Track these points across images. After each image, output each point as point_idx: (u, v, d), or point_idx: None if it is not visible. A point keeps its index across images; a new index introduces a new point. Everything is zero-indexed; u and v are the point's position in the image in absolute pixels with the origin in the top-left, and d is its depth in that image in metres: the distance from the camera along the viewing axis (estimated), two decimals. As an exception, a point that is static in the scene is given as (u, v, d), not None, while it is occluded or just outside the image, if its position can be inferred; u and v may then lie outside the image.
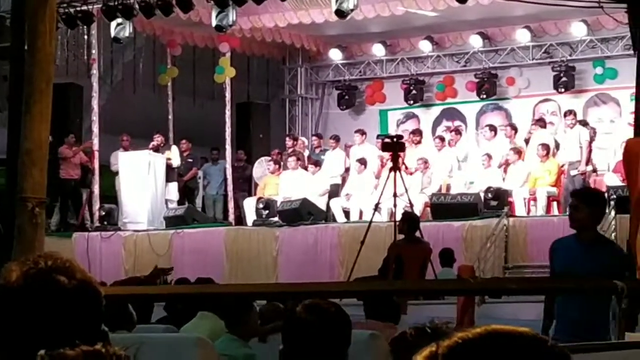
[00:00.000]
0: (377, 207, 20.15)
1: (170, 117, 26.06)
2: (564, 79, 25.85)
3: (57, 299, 2.88)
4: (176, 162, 25.12)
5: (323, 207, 23.60)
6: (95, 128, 24.50)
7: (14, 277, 2.92)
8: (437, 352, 1.60)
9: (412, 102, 27.76)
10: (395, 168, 19.33)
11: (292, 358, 5.02)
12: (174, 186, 25.08)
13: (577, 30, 25.20)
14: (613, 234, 18.99)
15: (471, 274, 8.40)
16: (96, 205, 24.57)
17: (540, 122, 24.34)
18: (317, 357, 4.96)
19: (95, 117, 24.52)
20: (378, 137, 24.82)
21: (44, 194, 6.29)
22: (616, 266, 8.82)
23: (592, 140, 23.04)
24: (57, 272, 2.92)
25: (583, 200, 9.09)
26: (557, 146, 23.18)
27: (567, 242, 9.26)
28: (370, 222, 19.75)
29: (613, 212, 19.48)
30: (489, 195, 21.72)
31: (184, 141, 25.52)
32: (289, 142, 26.64)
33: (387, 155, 20.49)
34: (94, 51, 24.38)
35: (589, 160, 22.56)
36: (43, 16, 6.48)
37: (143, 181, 24.36)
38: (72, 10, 21.32)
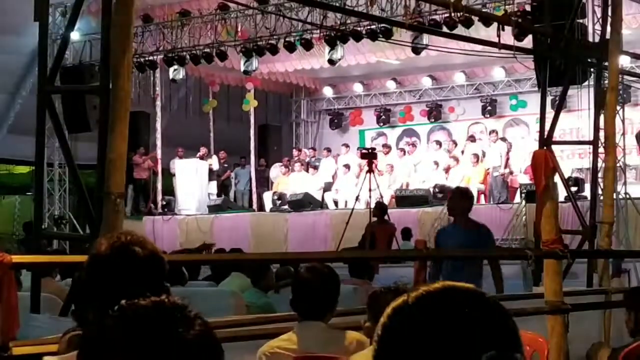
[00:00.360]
0: (357, 199, 20.13)
1: (211, 134, 26.00)
2: (489, 107, 25.88)
3: (134, 263, 2.88)
4: (215, 166, 25.14)
5: (319, 198, 23.59)
6: (159, 143, 24.48)
7: (103, 248, 2.93)
8: (407, 301, 1.60)
9: (382, 124, 27.78)
10: (370, 171, 19.33)
11: (298, 305, 5.02)
12: (213, 184, 25.09)
13: (498, 73, 25.20)
14: (524, 217, 19.00)
15: (424, 246, 8.33)
16: (159, 197, 24.56)
17: (472, 139, 24.35)
18: (316, 304, 4.96)
19: (158, 135, 24.50)
20: (358, 149, 24.77)
21: (123, 189, 6.29)
22: (485, 242, 8.74)
23: (509, 151, 23.05)
24: (133, 245, 2.92)
25: (458, 195, 9.16)
26: (484, 155, 23.18)
27: (448, 228, 9.19)
28: (353, 209, 19.74)
29: (524, 202, 19.48)
30: (436, 190, 21.72)
31: (222, 152, 25.50)
32: (295, 152, 26.69)
33: (364, 162, 20.45)
34: (157, 88, 24.39)
35: (507, 165, 22.56)
36: (122, 63, 6.48)
37: (192, 180, 24.36)
38: (142, 59, 21.30)
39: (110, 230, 6.03)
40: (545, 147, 11.06)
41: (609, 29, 11.46)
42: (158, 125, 24.56)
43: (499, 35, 12.01)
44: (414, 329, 1.57)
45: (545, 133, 12.31)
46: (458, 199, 9.01)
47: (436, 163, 23.16)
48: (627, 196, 17.28)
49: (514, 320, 1.62)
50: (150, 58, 21.81)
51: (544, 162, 6.90)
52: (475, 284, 1.64)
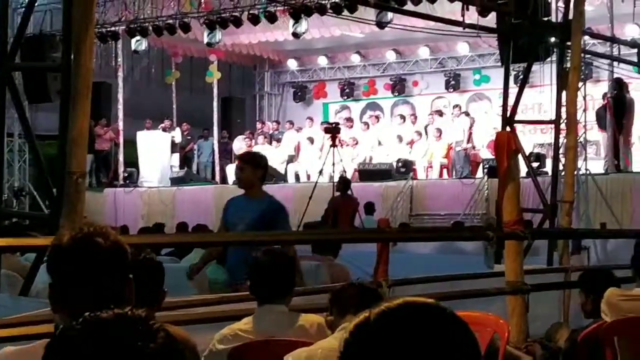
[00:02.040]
0: (320, 172, 20.15)
1: (174, 106, 25.85)
2: (452, 82, 25.96)
3: (97, 255, 2.87)
4: (178, 139, 25.03)
5: (282, 171, 23.57)
6: (120, 114, 24.33)
7: (65, 239, 2.91)
8: (369, 317, 1.61)
9: (346, 97, 27.79)
10: (333, 145, 19.34)
11: (257, 289, 5.03)
12: (176, 156, 25.01)
13: (462, 48, 25.26)
14: (486, 192, 19.10)
15: (387, 225, 8.35)
16: (121, 169, 24.44)
17: (438, 113, 24.38)
18: (275, 287, 4.97)
19: (120, 107, 24.34)
20: (322, 124, 24.76)
21: (84, 168, 6.25)
22: (275, 216, 7.67)
23: (472, 125, 23.10)
24: (96, 236, 2.91)
25: (247, 162, 8.03)
26: (447, 129, 23.24)
27: (238, 200, 8.06)
28: (316, 183, 19.75)
29: (486, 177, 19.58)
30: (399, 164, 21.74)
31: (185, 124, 25.40)
32: (258, 125, 26.63)
33: (328, 135, 20.45)
34: (119, 59, 24.26)
35: (469, 140, 22.63)
36: (84, 39, 6.41)
37: (154, 152, 24.26)
38: (104, 30, 21.10)
39: (72, 210, 6.00)
40: (508, 126, 11.13)
41: (572, 8, 11.52)
42: (120, 97, 24.39)
43: (463, 15, 12.02)
44: (375, 346, 1.59)
45: (509, 110, 12.37)
46: (250, 169, 8.00)
47: (400, 137, 23.18)
48: (588, 172, 17.43)
49: (473, 333, 1.64)
50: (112, 29, 21.63)
51: (506, 144, 6.93)
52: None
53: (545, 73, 17.60)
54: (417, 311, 1.63)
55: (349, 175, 20.60)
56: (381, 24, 19.22)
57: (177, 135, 24.97)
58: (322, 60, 27.87)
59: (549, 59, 13.93)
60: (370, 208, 18.38)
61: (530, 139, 21.85)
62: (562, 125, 12.35)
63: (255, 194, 7.85)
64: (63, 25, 7.92)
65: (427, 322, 1.60)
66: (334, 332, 4.36)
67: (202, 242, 7.55)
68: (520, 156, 8.66)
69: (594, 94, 21.33)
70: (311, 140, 24.04)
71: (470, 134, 22.73)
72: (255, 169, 7.88)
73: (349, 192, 18.25)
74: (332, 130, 19.41)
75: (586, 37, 16.83)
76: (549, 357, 6.13)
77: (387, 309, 1.62)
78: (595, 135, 20.98)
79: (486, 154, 21.80)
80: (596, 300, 5.86)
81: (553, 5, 13.38)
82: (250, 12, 20.24)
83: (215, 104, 25.56)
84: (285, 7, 19.61)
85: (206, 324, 5.47)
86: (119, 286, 2.85)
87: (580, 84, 13.45)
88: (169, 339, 1.55)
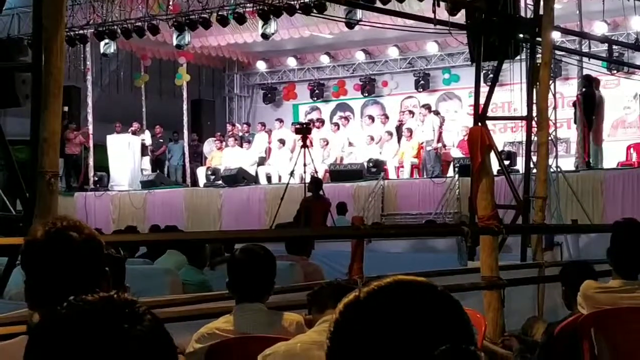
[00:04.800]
0: (292, 173, 20.13)
1: (143, 109, 25.77)
2: (422, 82, 26.04)
3: (71, 249, 2.84)
4: (148, 142, 24.98)
5: (253, 173, 23.52)
6: (90, 118, 24.18)
7: (38, 234, 2.88)
8: (359, 296, 1.59)
9: (315, 98, 27.83)
10: (304, 146, 19.34)
11: (235, 287, 4.99)
12: (147, 159, 24.94)
13: (431, 48, 25.31)
14: (457, 191, 19.14)
15: (361, 222, 8.34)
16: (91, 173, 24.30)
17: (409, 113, 24.36)
18: (253, 286, 4.93)
19: (90, 110, 24.19)
20: (292, 124, 24.74)
21: (57, 168, 6.19)
22: None
23: (441, 124, 23.13)
24: (70, 230, 2.88)
25: None
26: (417, 129, 23.25)
27: None
28: (287, 184, 19.74)
29: (457, 176, 19.62)
30: (370, 164, 21.74)
31: (157, 127, 25.32)
32: (228, 127, 26.59)
33: (299, 137, 20.44)
34: (88, 63, 24.13)
35: (439, 139, 22.64)
36: (55, 40, 6.36)
37: (125, 155, 24.15)
38: (72, 33, 20.95)
39: (45, 210, 5.94)
40: (480, 123, 11.15)
41: (541, 4, 11.57)
42: (89, 100, 24.26)
43: (434, 11, 12.03)
44: (366, 324, 1.57)
45: (480, 108, 12.39)
46: None
47: (371, 137, 23.20)
48: (558, 169, 17.51)
49: (465, 311, 1.62)
50: (81, 32, 21.52)
51: (479, 139, 6.94)
52: None
53: (515, 72, 17.66)
54: (409, 287, 1.61)
55: (320, 176, 20.58)
56: (350, 23, 19.22)
57: (147, 138, 24.90)
58: (292, 62, 27.86)
59: (518, 57, 13.98)
60: (342, 208, 18.36)
61: (501, 137, 21.93)
62: (534, 123, 12.41)
63: None
64: (33, 29, 7.85)
65: (419, 298, 1.58)
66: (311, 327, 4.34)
67: (174, 241, 7.47)
68: (493, 154, 8.65)
69: (563, 91, 21.48)
70: (282, 141, 24.02)
71: (440, 133, 22.74)
72: None
73: (321, 192, 18.25)
74: (303, 130, 19.39)
75: (555, 36, 16.93)
76: (526, 350, 6.14)
77: (377, 287, 1.60)
78: (565, 133, 21.11)
79: (457, 153, 21.86)
80: (576, 293, 5.87)
81: (522, 3, 13.41)
82: (219, 13, 20.20)
83: (185, 106, 25.52)
84: (255, 8, 19.57)
85: (183, 325, 5.42)
86: (95, 279, 2.82)
87: (550, 82, 13.50)
88: (156, 321, 1.53)
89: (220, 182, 23.02)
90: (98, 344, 1.47)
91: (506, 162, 17.70)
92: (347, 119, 25.70)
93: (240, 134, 25.91)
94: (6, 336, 3.83)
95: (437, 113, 23.67)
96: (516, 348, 6.25)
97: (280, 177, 22.79)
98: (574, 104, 19.93)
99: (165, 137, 25.62)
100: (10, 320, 4.76)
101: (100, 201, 23.38)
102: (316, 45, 25.99)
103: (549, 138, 13.05)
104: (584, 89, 19.36)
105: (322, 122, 25.30)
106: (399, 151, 22.63)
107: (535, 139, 12.27)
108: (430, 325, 1.55)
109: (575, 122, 20.05)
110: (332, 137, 23.99)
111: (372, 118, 24.74)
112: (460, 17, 14.74)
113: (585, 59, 19.33)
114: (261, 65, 28.55)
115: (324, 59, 27.27)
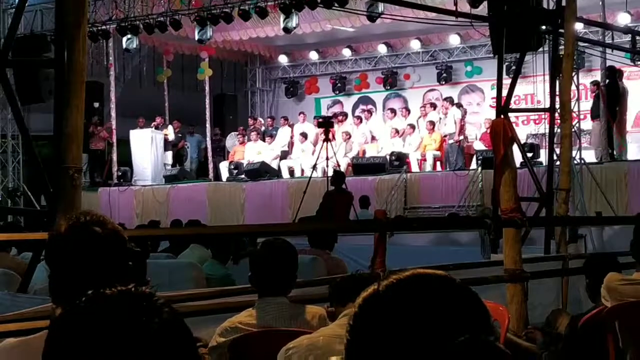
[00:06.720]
0: (314, 167, 20.13)
1: (166, 104, 25.83)
2: (444, 74, 25.94)
3: (94, 243, 2.85)
4: (171, 136, 25.03)
5: (276, 167, 23.54)
6: (113, 113, 24.26)
7: (62, 229, 2.89)
8: (378, 289, 1.59)
9: (338, 92, 27.77)
10: (327, 139, 19.34)
11: (258, 281, 4.98)
12: (169, 154, 25.01)
13: (453, 40, 25.21)
14: (480, 184, 19.08)
15: (384, 216, 8.33)
16: (115, 168, 24.39)
17: (432, 106, 24.27)
18: (276, 280, 4.93)
19: (112, 105, 24.28)
20: (314, 117, 24.73)
21: (80, 163, 6.21)
22: None
23: (464, 117, 23.09)
24: (93, 224, 2.89)
25: None
26: (439, 122, 23.20)
27: None
28: (310, 178, 19.74)
29: (480, 169, 19.56)
30: (393, 157, 21.70)
31: (175, 122, 25.36)
32: (251, 121, 26.55)
33: (321, 130, 20.43)
34: (111, 58, 24.22)
35: (462, 132, 22.59)
36: (78, 36, 6.38)
37: (148, 150, 24.22)
38: (95, 29, 21.02)
39: (68, 205, 5.97)
40: (502, 115, 11.11)
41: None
42: (112, 95, 24.34)
43: (455, 3, 12.00)
44: (386, 316, 1.57)
45: (502, 100, 12.35)
46: None
47: (395, 131, 23.14)
48: (582, 161, 17.43)
49: (485, 304, 1.62)
50: (103, 27, 21.60)
51: (502, 131, 6.92)
52: None
53: (537, 63, 17.62)
54: (427, 280, 1.61)
55: (342, 170, 20.57)
56: (372, 16, 19.19)
57: (170, 133, 24.96)
58: (313, 55, 27.84)
59: (540, 49, 13.93)
60: (365, 202, 18.36)
61: (524, 129, 21.87)
62: (556, 114, 12.35)
63: None
64: (56, 20, 7.90)
65: (437, 291, 1.59)
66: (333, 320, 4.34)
67: (199, 235, 7.49)
68: (515, 146, 8.62)
69: (586, 83, 21.36)
70: (304, 135, 24.02)
71: (462, 125, 22.70)
72: None
73: (344, 186, 18.23)
74: (326, 124, 19.39)
75: (578, 27, 16.84)
76: (550, 343, 6.11)
77: (397, 280, 1.60)
78: (588, 125, 21.01)
79: (480, 145, 21.79)
80: (600, 285, 5.84)
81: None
82: (241, 7, 20.21)
83: (207, 101, 25.53)
84: (276, 2, 19.57)
85: (206, 319, 5.45)
86: (119, 274, 2.83)
87: (573, 73, 13.43)
88: (174, 314, 1.53)
89: (242, 176, 23.05)
90: (115, 336, 1.48)
91: (529, 155, 17.62)
92: (369, 112, 25.68)
93: (264, 128, 25.94)
94: (31, 331, 3.86)
95: (459, 106, 23.61)
96: (540, 341, 6.23)
97: (302, 171, 22.79)
98: (596, 95, 19.81)
99: (183, 132, 25.66)
100: (34, 315, 4.80)
101: (123, 196, 23.46)
102: (338, 39, 25.97)
103: (572, 130, 12.99)
104: (607, 81, 19.25)
105: (345, 115, 25.28)
106: (421, 144, 22.57)
107: (558, 131, 12.22)
108: (448, 317, 1.56)
109: (591, 115, 19.96)
110: (354, 131, 23.98)
111: (393, 111, 24.69)
112: (482, 9, 14.71)
113: (608, 50, 19.20)
114: (283, 59, 28.54)
115: (346, 53, 27.24)
